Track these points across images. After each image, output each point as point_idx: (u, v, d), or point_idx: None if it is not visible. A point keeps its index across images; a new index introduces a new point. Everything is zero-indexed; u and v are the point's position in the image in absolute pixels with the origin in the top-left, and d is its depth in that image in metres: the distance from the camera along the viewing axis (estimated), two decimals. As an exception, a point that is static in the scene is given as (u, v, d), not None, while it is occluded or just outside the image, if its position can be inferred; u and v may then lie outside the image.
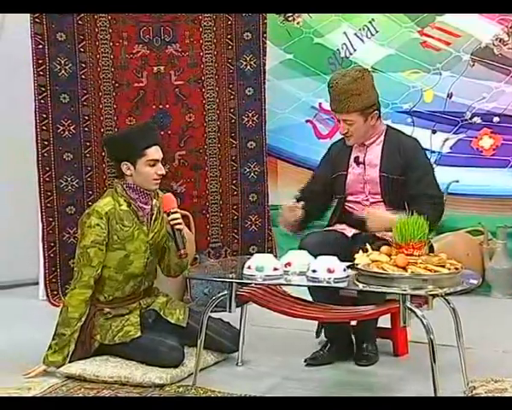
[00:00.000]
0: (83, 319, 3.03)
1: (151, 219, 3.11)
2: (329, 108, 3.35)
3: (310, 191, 3.35)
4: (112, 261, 3.07)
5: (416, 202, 3.02)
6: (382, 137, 3.24)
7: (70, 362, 3.02)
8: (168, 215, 3.07)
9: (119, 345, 3.04)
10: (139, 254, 3.09)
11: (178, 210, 3.11)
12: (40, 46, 4.14)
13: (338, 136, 3.51)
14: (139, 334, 3.04)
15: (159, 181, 3.10)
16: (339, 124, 3.24)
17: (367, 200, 3.24)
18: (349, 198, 3.27)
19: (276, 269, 2.84)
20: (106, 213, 3.03)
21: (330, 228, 3.29)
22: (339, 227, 3.26)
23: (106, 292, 3.10)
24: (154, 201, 3.13)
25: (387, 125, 3.30)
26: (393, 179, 3.18)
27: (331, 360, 3.16)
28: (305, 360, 3.15)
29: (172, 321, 3.12)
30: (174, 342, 3.02)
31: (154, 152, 3.07)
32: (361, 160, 3.24)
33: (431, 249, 3.11)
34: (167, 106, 4.36)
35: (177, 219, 3.06)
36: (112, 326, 3.06)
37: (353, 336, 3.22)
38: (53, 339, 3.03)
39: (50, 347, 3.03)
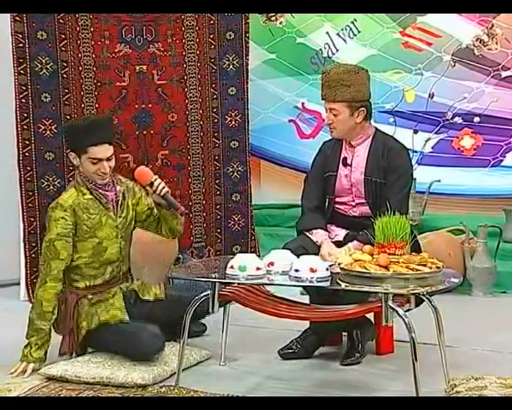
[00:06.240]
0: (55, 312, 3.04)
1: (117, 205, 3.12)
2: (312, 108, 3.35)
3: (314, 197, 3.31)
4: (86, 251, 3.08)
5: (384, 204, 3.03)
6: (370, 140, 3.24)
7: (60, 353, 3.04)
8: (151, 186, 3.06)
9: (103, 330, 3.04)
10: (112, 241, 3.10)
11: (156, 177, 3.08)
12: (20, 45, 4.10)
13: (320, 136, 3.52)
14: (126, 317, 3.08)
15: (105, 176, 3.05)
16: (327, 113, 3.21)
17: (353, 201, 3.26)
18: (337, 199, 3.29)
19: (258, 269, 2.84)
20: (70, 205, 3.04)
21: None
22: (330, 232, 3.26)
23: (86, 280, 3.10)
24: (118, 187, 3.13)
25: (376, 128, 3.30)
26: (376, 182, 3.19)
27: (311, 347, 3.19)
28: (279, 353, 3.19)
29: (151, 299, 3.17)
30: (155, 330, 3.03)
31: (98, 151, 3.01)
32: (349, 161, 3.24)
33: (418, 247, 3.14)
34: (150, 105, 4.34)
35: (159, 184, 3.05)
36: (97, 311, 3.09)
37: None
38: (31, 336, 3.02)
39: (30, 344, 3.02)
